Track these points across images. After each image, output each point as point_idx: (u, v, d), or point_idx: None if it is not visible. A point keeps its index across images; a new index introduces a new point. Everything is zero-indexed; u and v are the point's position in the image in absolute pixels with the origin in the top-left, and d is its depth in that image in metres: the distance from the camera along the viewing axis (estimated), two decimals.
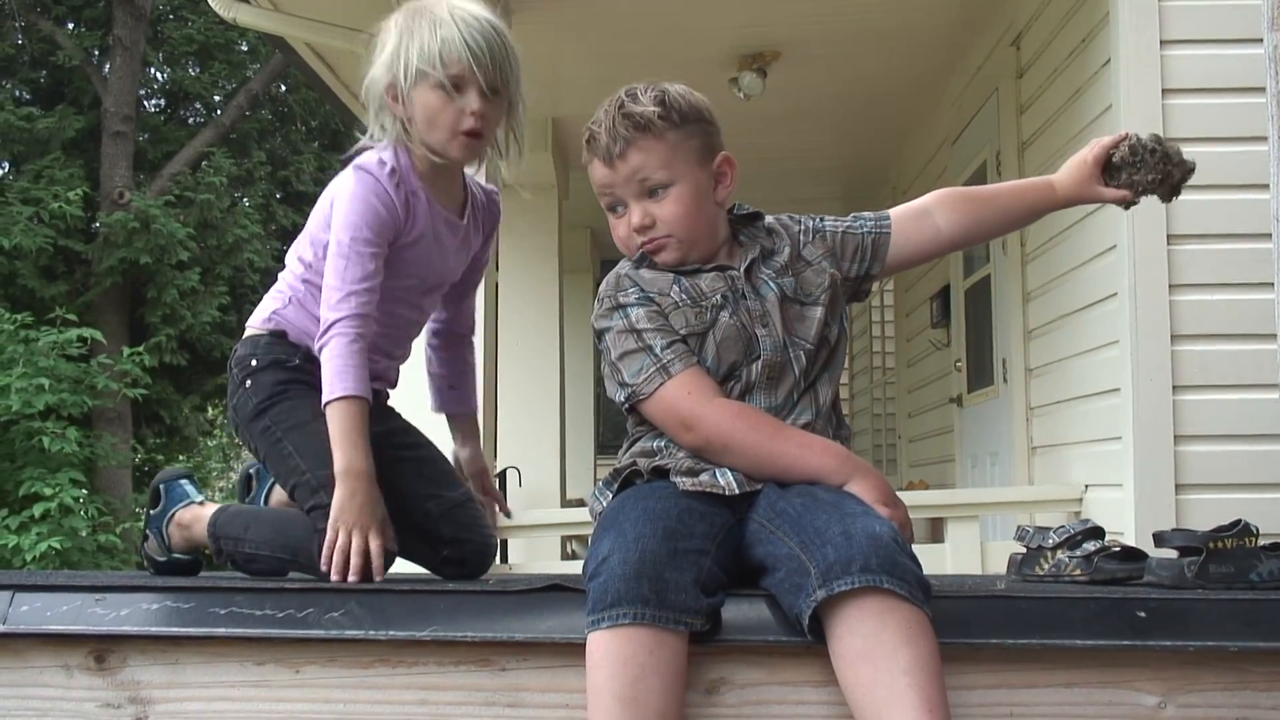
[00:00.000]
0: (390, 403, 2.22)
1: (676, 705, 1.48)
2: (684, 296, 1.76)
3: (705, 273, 1.79)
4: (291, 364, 2.04)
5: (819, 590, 1.45)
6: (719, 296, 1.76)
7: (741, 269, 1.80)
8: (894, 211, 1.90)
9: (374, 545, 1.84)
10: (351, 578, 1.81)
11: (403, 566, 2.03)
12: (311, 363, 1.99)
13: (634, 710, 1.44)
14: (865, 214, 1.91)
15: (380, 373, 2.09)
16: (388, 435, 2.07)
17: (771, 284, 1.79)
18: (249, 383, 2.04)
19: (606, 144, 1.74)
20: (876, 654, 1.43)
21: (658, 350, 1.72)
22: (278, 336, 2.06)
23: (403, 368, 2.21)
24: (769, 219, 1.88)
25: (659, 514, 1.56)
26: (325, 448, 1.90)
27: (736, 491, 1.66)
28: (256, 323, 2.09)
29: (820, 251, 1.85)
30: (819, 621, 1.48)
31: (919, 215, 1.89)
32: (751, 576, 1.64)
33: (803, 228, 1.88)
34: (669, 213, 1.76)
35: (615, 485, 1.76)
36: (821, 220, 1.89)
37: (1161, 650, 1.57)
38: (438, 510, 2.06)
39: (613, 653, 1.46)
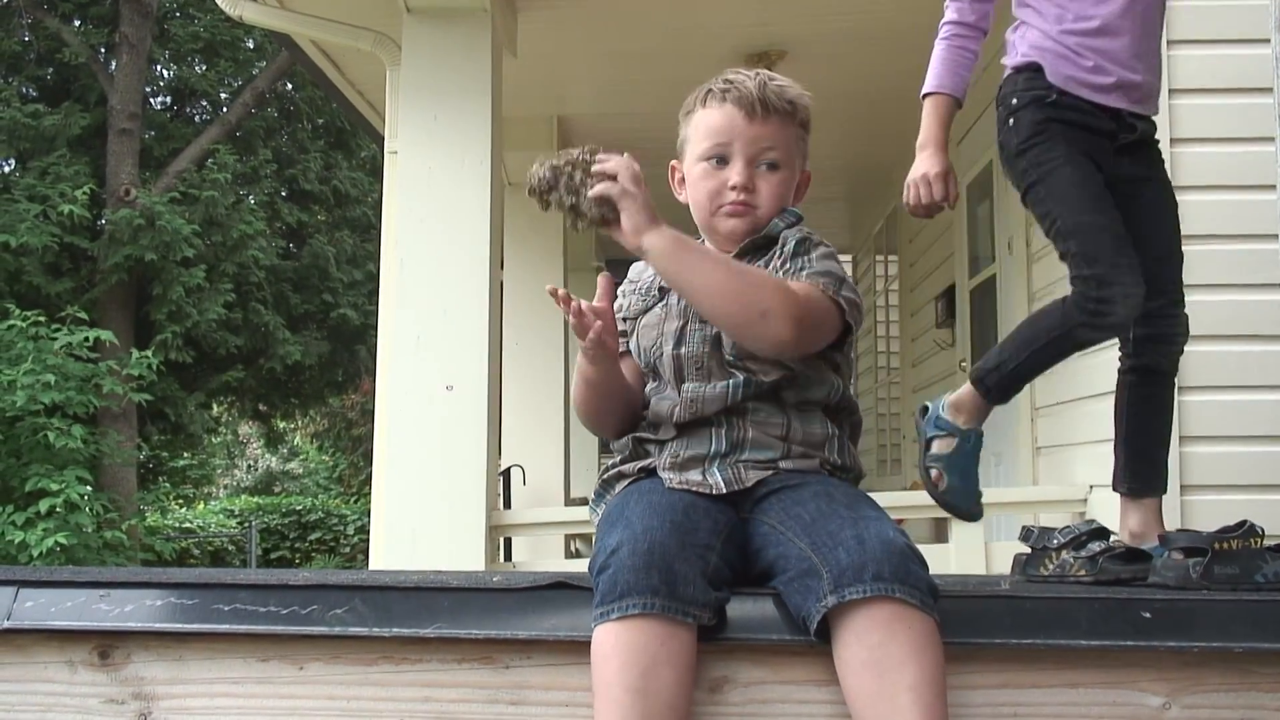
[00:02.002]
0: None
1: (686, 699, 1.47)
2: (645, 284, 1.86)
3: None
4: (1050, 99, 2.14)
5: (830, 596, 1.45)
6: (659, 286, 1.82)
7: None
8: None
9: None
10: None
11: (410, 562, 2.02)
12: (1067, 95, 2.13)
13: (646, 702, 1.43)
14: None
15: (1125, 83, 2.15)
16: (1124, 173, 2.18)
17: None
18: (1011, 121, 2.18)
19: (758, 99, 1.77)
20: (882, 665, 1.42)
21: None
22: (1035, 71, 2.17)
23: None
24: (784, 229, 1.81)
25: (665, 507, 1.57)
26: (1074, 194, 2.09)
27: (724, 491, 1.66)
28: (1013, 60, 2.24)
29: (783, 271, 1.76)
30: (825, 624, 1.47)
31: None
32: (758, 578, 1.63)
33: (789, 246, 1.78)
34: (768, 189, 1.80)
35: (607, 494, 1.77)
36: (800, 244, 1.77)
37: (1166, 651, 1.56)
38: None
39: (624, 643, 1.44)
